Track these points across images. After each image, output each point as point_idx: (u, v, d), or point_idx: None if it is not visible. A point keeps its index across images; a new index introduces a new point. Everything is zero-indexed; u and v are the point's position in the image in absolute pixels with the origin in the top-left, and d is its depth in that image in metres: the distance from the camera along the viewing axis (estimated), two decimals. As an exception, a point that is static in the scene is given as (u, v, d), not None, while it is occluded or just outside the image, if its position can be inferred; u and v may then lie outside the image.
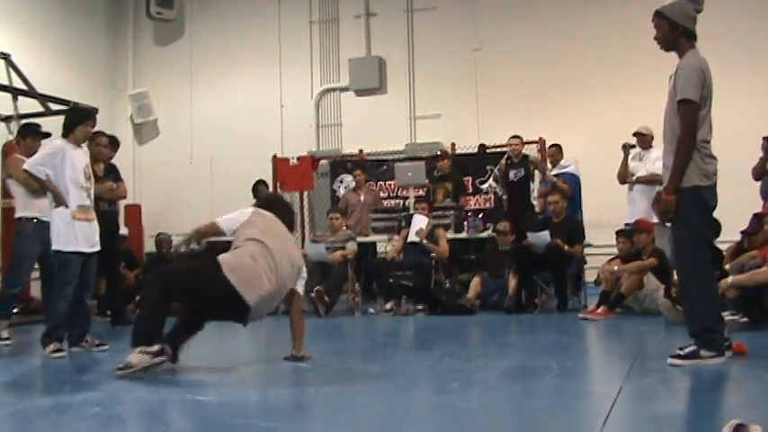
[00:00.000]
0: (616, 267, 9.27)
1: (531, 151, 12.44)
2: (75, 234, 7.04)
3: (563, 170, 11.48)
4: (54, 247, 7.06)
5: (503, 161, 12.27)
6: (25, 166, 7.16)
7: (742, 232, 8.95)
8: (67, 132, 7.23)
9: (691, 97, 5.30)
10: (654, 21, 5.58)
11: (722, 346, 5.39)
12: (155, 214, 15.38)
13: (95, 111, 9.57)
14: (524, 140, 11.98)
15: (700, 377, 5.07)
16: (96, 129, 9.74)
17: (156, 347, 5.63)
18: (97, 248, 7.33)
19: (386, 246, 11.88)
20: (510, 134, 12.04)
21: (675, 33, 5.49)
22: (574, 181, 11.37)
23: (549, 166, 11.87)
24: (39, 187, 7.30)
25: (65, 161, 7.05)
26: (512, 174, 11.67)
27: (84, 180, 7.19)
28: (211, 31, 16.16)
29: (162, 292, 5.78)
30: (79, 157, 7.23)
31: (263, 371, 6.20)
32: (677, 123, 5.39)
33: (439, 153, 13.15)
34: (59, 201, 7.02)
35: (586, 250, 10.63)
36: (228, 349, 8.22)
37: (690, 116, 5.31)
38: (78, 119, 7.36)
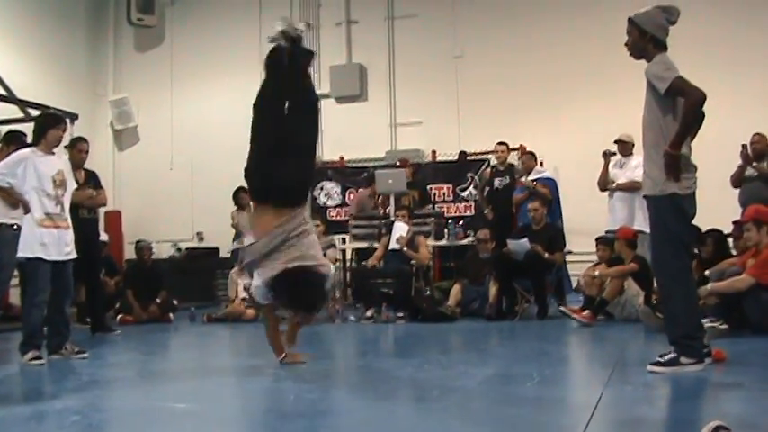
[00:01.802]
0: (597, 272, 9.32)
1: (513, 158, 12.38)
2: (42, 241, 6.96)
3: (539, 175, 11.48)
4: (18, 254, 7.00)
5: (488, 169, 12.29)
6: None
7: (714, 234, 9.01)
8: (39, 139, 7.16)
9: (672, 76, 5.31)
10: (627, 28, 5.65)
11: (702, 352, 5.41)
12: (135, 221, 15.35)
13: (73, 116, 9.53)
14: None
15: (680, 384, 5.09)
16: (76, 135, 9.73)
17: None
18: (71, 256, 7.24)
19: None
20: (490, 141, 12.07)
21: (643, 41, 5.55)
22: (552, 185, 11.39)
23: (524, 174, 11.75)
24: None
25: (27, 169, 6.96)
26: (497, 182, 11.67)
27: (51, 187, 7.09)
28: (192, 37, 16.14)
29: None
30: (48, 165, 7.13)
31: (243, 379, 6.18)
32: (657, 132, 5.42)
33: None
34: (26, 208, 6.99)
35: (567, 257, 10.67)
36: (207, 357, 8.20)
37: (684, 85, 5.31)
38: (49, 124, 7.27)
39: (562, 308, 9.27)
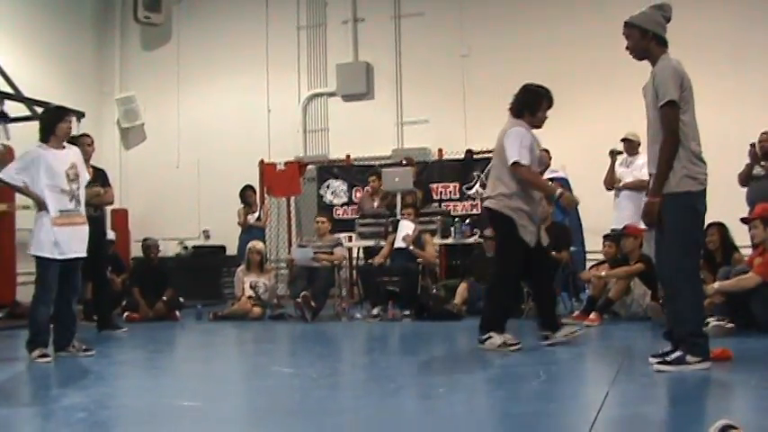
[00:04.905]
0: (603, 272, 9.28)
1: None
2: (55, 240, 6.91)
3: (553, 174, 11.44)
4: (31, 252, 6.99)
5: None
6: (1, 176, 7.04)
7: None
8: (47, 135, 7.08)
9: (673, 98, 5.32)
10: (624, 32, 5.66)
11: (708, 351, 5.40)
12: (141, 219, 15.36)
13: (80, 114, 9.48)
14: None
15: (686, 383, 5.08)
16: (82, 132, 9.72)
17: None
18: (82, 254, 7.18)
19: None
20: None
21: (646, 40, 5.57)
22: (566, 185, 11.35)
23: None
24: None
25: (39, 168, 6.91)
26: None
27: (65, 183, 7.02)
28: (198, 35, 16.15)
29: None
30: (60, 159, 7.06)
31: (249, 377, 6.19)
32: (660, 131, 5.41)
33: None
34: (41, 206, 6.96)
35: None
36: (213, 355, 8.19)
37: (672, 117, 5.34)
38: (56, 118, 7.20)
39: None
